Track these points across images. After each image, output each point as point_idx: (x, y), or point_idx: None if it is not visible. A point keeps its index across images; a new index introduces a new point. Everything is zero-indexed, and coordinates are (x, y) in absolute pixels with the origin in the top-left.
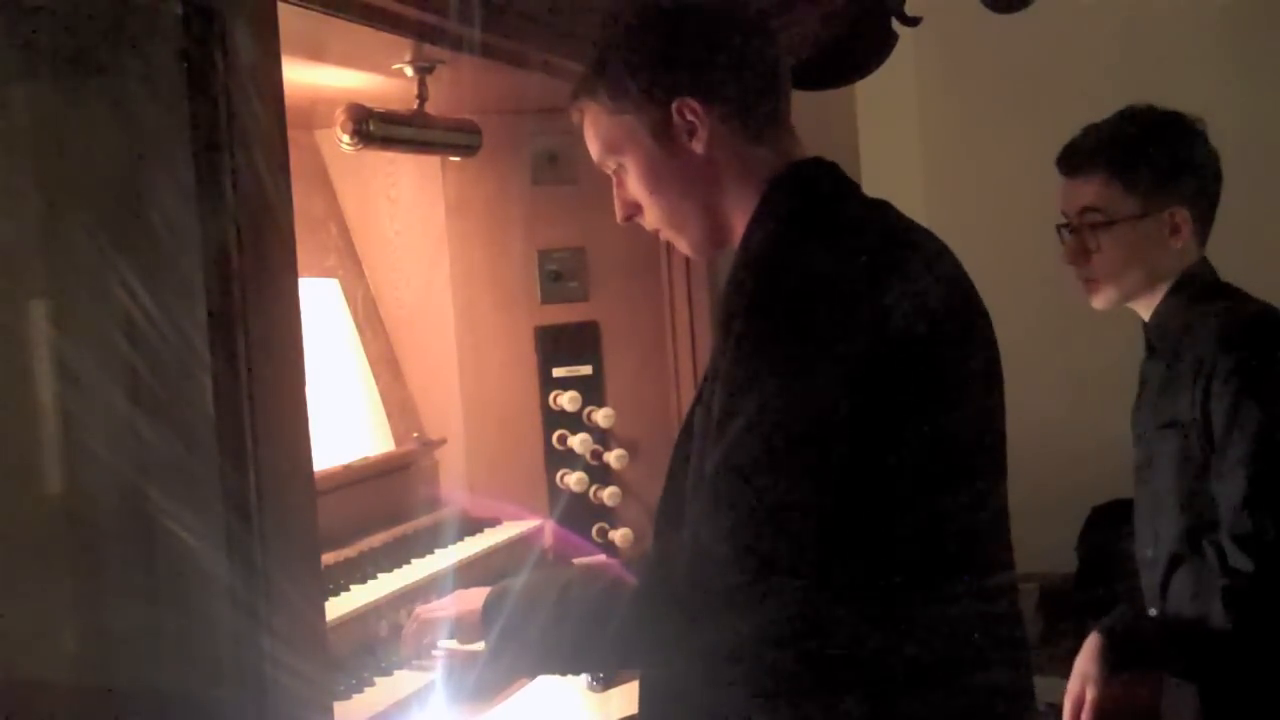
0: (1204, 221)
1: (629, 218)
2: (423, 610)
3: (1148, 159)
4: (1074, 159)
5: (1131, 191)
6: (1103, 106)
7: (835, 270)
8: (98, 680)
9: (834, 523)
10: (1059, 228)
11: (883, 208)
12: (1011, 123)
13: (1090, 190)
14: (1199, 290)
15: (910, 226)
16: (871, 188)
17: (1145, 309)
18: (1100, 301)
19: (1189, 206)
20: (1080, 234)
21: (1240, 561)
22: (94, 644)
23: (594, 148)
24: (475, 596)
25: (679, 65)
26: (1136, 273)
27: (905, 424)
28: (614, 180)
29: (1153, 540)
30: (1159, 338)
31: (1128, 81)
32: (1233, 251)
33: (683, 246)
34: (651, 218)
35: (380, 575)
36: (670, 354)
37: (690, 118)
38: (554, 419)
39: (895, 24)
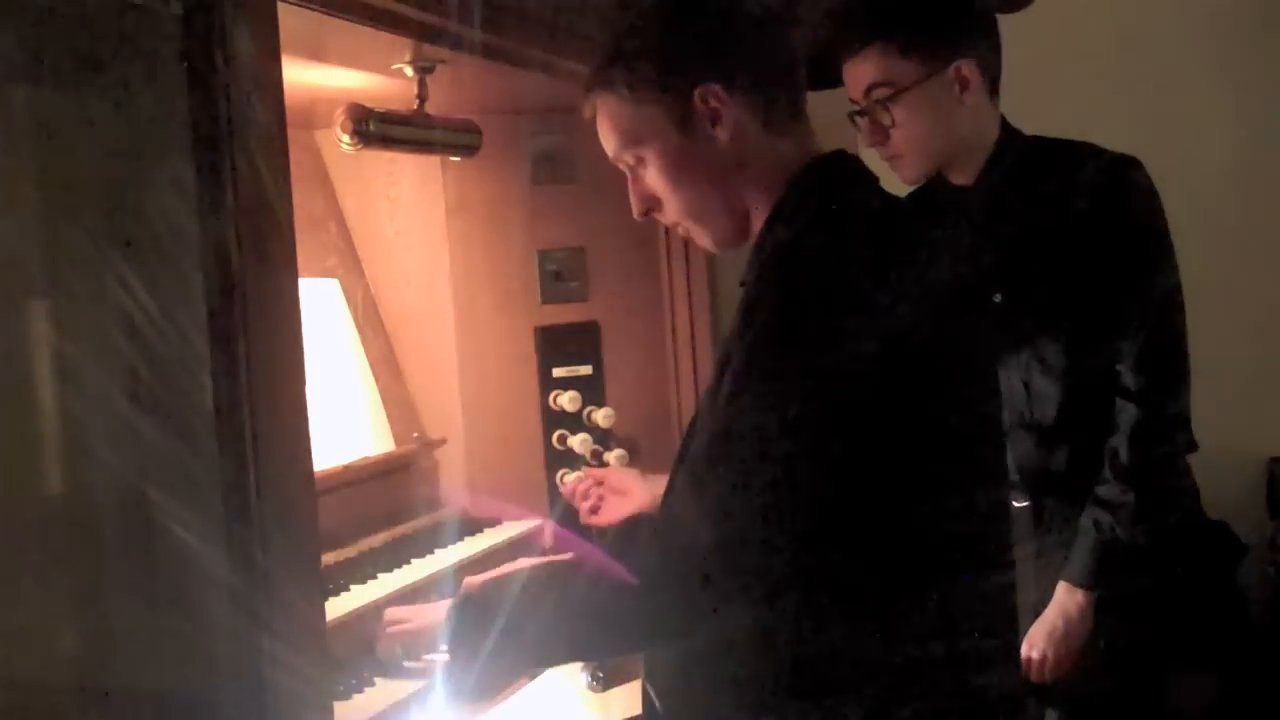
0: (992, 70)
1: (647, 212)
2: (391, 624)
3: (917, 18)
4: (846, 40)
5: (910, 55)
6: (1103, 106)
7: (859, 276)
8: (98, 680)
9: (832, 522)
10: (850, 115)
11: (899, 204)
12: (1010, 122)
13: (869, 66)
14: (1026, 147)
15: (924, 226)
16: None
17: (962, 176)
18: (910, 176)
19: (973, 56)
20: (873, 113)
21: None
22: (94, 644)
23: (610, 142)
24: (438, 609)
25: (698, 51)
26: (937, 137)
27: (912, 424)
28: (630, 176)
29: None
30: (997, 202)
31: (1127, 81)
32: (1233, 252)
33: (704, 240)
34: (672, 210)
35: (380, 575)
36: (670, 354)
37: (714, 104)
38: (554, 419)
39: None
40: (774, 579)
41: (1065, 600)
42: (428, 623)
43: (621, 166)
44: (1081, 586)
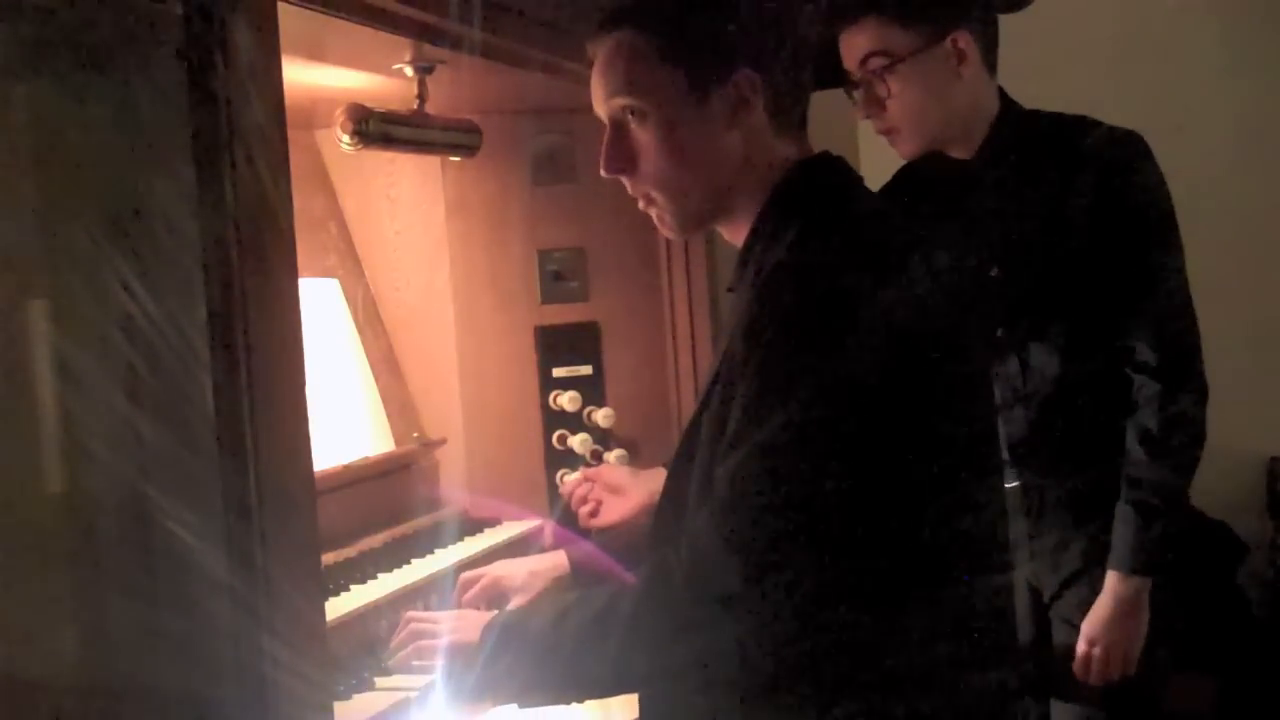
0: (988, 42)
1: (619, 171)
2: (417, 624)
3: None
4: (843, 10)
5: (907, 26)
6: (1102, 106)
7: (864, 285)
8: (98, 680)
9: (842, 531)
10: (846, 88)
11: (887, 204)
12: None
13: (866, 36)
14: (1026, 121)
15: (915, 227)
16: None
17: (961, 150)
18: (907, 150)
19: (969, 28)
20: (869, 84)
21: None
22: (94, 644)
23: (612, 82)
24: (473, 623)
25: (752, 37)
26: (934, 111)
27: (917, 429)
28: (612, 126)
29: None
30: (997, 176)
31: (1128, 81)
32: (1231, 250)
33: (667, 218)
34: (650, 177)
35: (380, 575)
36: (670, 354)
37: (747, 93)
38: (554, 419)
39: None
40: (787, 593)
41: (1120, 588)
42: (460, 642)
43: (609, 111)
44: (1135, 572)
